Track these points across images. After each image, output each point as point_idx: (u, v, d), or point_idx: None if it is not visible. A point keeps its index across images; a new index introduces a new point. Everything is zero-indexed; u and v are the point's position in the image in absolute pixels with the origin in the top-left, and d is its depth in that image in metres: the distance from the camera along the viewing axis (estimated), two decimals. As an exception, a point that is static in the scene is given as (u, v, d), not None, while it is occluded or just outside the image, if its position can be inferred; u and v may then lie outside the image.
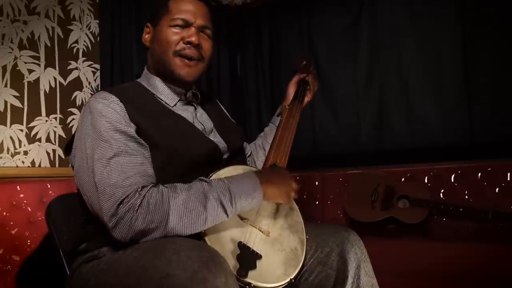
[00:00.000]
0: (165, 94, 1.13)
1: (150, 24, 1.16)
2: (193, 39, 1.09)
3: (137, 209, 0.84)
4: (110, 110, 0.96)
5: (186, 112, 1.15)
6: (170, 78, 1.13)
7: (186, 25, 1.10)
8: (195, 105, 1.19)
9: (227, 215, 0.90)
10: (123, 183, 0.87)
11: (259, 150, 1.42)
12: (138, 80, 1.19)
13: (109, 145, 0.91)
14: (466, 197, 2.22)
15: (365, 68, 2.74)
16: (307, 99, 1.45)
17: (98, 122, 0.94)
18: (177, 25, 1.10)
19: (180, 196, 0.87)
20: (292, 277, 0.94)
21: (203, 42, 1.13)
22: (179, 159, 1.00)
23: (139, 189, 0.87)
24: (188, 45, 1.10)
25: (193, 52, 1.10)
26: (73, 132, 2.33)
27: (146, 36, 1.17)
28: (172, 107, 1.12)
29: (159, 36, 1.11)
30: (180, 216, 0.85)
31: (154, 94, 1.12)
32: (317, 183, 2.70)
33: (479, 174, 2.21)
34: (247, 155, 1.38)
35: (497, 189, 2.16)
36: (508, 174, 2.14)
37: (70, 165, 1.05)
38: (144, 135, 0.98)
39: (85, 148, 0.93)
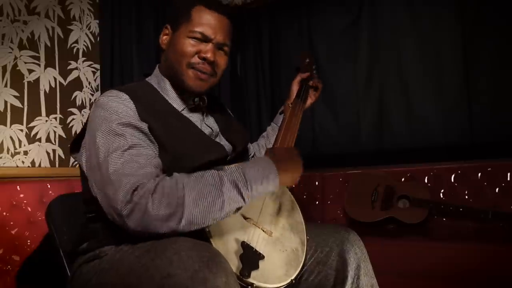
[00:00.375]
0: (173, 98, 1.13)
1: (170, 27, 1.14)
2: (209, 55, 1.08)
3: (152, 194, 0.82)
4: (123, 107, 0.97)
5: (194, 116, 1.15)
6: (180, 86, 1.13)
7: (204, 39, 1.08)
8: (203, 109, 1.19)
9: (244, 200, 0.88)
10: (137, 173, 0.86)
11: (262, 150, 1.43)
12: (147, 79, 1.18)
13: (124, 138, 0.92)
14: (466, 197, 2.22)
15: (365, 68, 2.73)
16: (310, 100, 1.45)
17: (112, 118, 0.94)
18: (195, 38, 1.08)
19: (194, 181, 0.86)
20: (292, 278, 0.94)
21: (219, 59, 1.11)
22: (185, 162, 1.00)
23: (154, 176, 0.87)
24: (203, 61, 1.09)
25: (207, 68, 1.09)
26: (73, 132, 2.32)
27: (164, 37, 1.15)
28: (181, 111, 1.12)
29: (176, 44, 1.09)
30: (196, 200, 0.83)
31: (163, 96, 1.12)
32: (317, 183, 2.70)
33: (479, 174, 2.21)
34: (250, 156, 1.38)
35: (497, 189, 2.16)
36: (508, 174, 2.14)
37: (72, 163, 1.05)
38: (153, 135, 0.98)
39: (99, 143, 0.92)
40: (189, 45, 1.08)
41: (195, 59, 1.08)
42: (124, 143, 0.91)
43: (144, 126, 0.97)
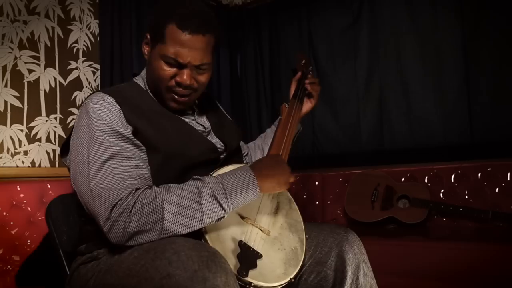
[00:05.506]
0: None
1: (149, 37, 1.06)
2: (183, 80, 1.01)
3: (131, 211, 0.84)
4: (107, 112, 0.95)
5: (184, 113, 1.14)
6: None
7: (178, 65, 1.01)
8: (194, 107, 1.18)
9: (224, 211, 0.88)
10: (118, 186, 0.86)
11: (257, 150, 1.41)
12: (135, 79, 1.16)
13: (104, 147, 0.91)
14: (466, 197, 2.23)
15: (365, 68, 2.74)
16: (310, 104, 1.41)
17: (94, 124, 0.93)
18: (168, 62, 1.00)
19: (173, 195, 0.87)
20: (292, 276, 0.94)
21: (198, 78, 1.04)
22: (177, 161, 0.99)
23: (133, 191, 0.86)
24: (179, 85, 1.03)
25: (183, 91, 1.04)
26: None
27: (145, 46, 1.09)
28: None
29: (152, 64, 1.04)
30: (175, 215, 0.84)
31: (152, 96, 1.10)
32: (317, 183, 2.70)
33: (479, 174, 2.22)
34: (244, 155, 1.37)
35: (497, 189, 2.16)
36: (508, 174, 2.14)
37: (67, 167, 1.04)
38: (141, 136, 0.97)
39: (81, 150, 0.92)
40: (164, 69, 1.01)
41: (172, 83, 1.03)
42: (104, 153, 0.90)
43: (128, 131, 0.95)
